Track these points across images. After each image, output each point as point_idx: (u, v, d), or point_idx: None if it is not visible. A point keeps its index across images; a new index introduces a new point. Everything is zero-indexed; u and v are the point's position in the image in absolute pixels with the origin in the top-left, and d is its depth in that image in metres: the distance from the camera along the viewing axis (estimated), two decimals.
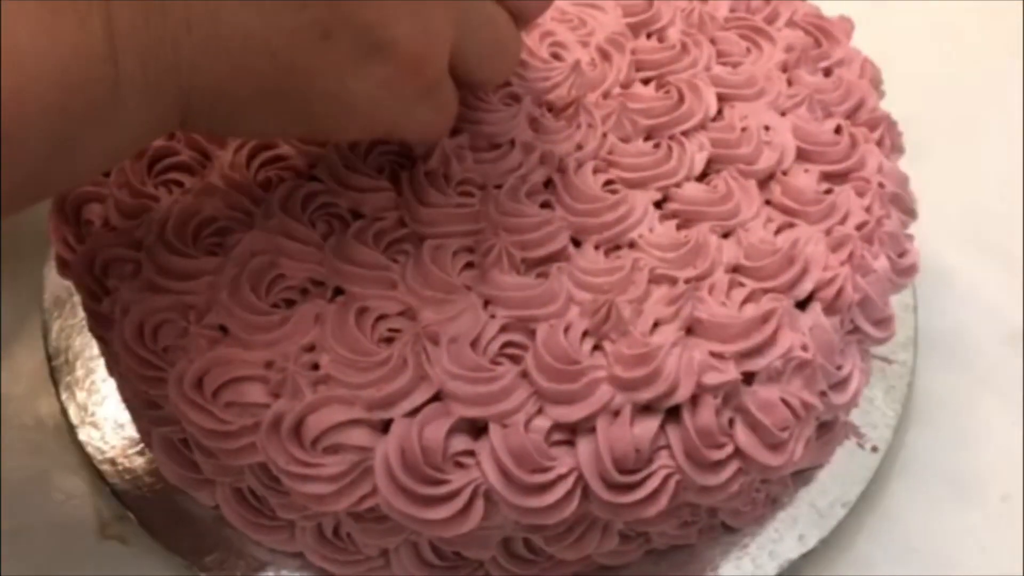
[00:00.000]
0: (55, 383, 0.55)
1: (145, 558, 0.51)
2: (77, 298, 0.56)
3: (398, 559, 0.47)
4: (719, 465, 0.43)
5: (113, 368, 0.52)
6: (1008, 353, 0.65)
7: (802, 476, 0.54)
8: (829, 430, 0.52)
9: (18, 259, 0.60)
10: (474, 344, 0.43)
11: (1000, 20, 0.84)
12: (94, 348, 0.55)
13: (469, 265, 0.45)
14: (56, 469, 0.54)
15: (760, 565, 0.51)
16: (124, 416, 0.53)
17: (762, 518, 0.52)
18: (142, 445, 0.52)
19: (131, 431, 0.53)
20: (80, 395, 0.54)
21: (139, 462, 0.52)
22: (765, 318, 0.45)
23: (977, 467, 0.59)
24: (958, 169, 0.74)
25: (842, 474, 0.54)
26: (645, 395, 0.42)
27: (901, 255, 0.52)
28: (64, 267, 0.48)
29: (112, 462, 0.52)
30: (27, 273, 0.59)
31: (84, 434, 0.53)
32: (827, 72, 0.56)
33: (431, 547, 0.46)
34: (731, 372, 0.43)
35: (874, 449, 0.56)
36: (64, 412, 0.54)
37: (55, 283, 0.57)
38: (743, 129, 0.51)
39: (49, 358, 0.56)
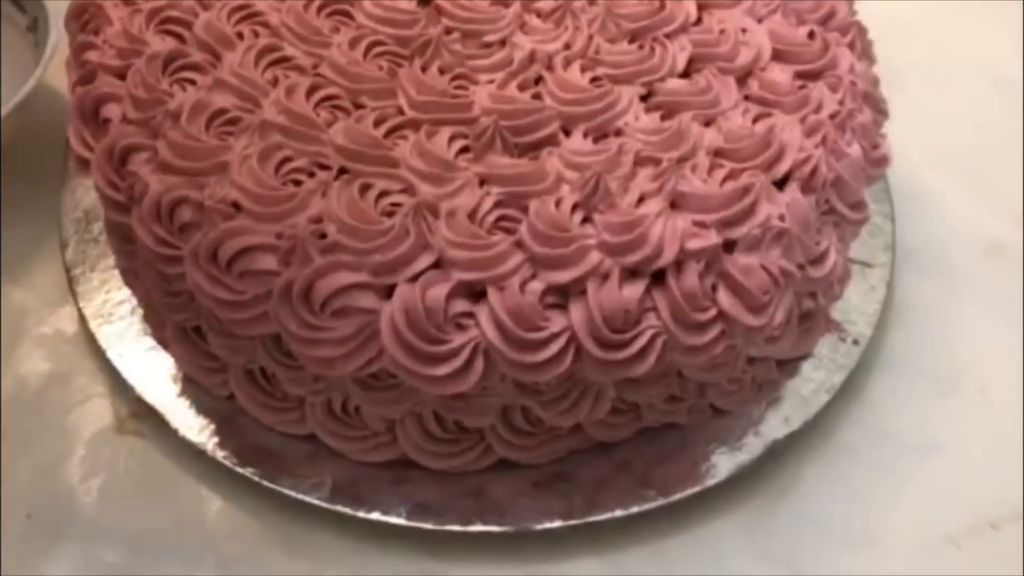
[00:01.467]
0: (73, 293, 0.57)
1: (161, 449, 0.54)
2: (93, 216, 0.59)
3: (404, 432, 0.49)
4: (703, 326, 0.46)
5: (129, 271, 0.54)
6: (984, 263, 0.67)
7: (787, 367, 0.57)
8: (811, 318, 0.55)
9: (34, 184, 0.63)
10: (471, 216, 0.46)
11: None
12: (110, 260, 0.58)
13: (465, 150, 0.48)
14: (75, 373, 0.57)
15: (747, 444, 0.54)
16: (140, 324, 0.55)
17: (749, 402, 0.55)
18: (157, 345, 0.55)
19: (148, 339, 0.55)
20: (98, 300, 0.57)
21: (156, 360, 0.54)
22: (744, 191, 0.47)
23: (955, 364, 0.62)
24: (933, 104, 0.77)
25: (825, 364, 0.57)
26: (632, 259, 0.45)
27: (874, 147, 0.55)
28: (83, 164, 0.51)
29: (128, 361, 0.55)
30: (42, 201, 0.62)
31: (102, 336, 0.55)
32: None
33: (435, 418, 0.49)
34: (712, 238, 0.46)
35: (855, 342, 0.58)
36: (83, 318, 0.57)
37: (71, 204, 0.60)
38: (721, 31, 0.55)
39: (67, 271, 0.58)
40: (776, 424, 0.55)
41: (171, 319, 0.51)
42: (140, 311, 0.56)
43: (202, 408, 0.53)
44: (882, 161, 0.55)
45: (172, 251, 0.47)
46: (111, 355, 0.54)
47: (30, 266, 0.61)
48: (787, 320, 0.49)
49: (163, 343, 0.54)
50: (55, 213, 0.61)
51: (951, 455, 0.58)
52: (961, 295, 0.66)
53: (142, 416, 0.54)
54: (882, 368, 0.61)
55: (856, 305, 0.60)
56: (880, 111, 0.56)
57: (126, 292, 0.56)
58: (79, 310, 0.57)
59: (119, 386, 0.55)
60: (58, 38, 0.61)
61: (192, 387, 0.53)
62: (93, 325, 0.56)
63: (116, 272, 0.57)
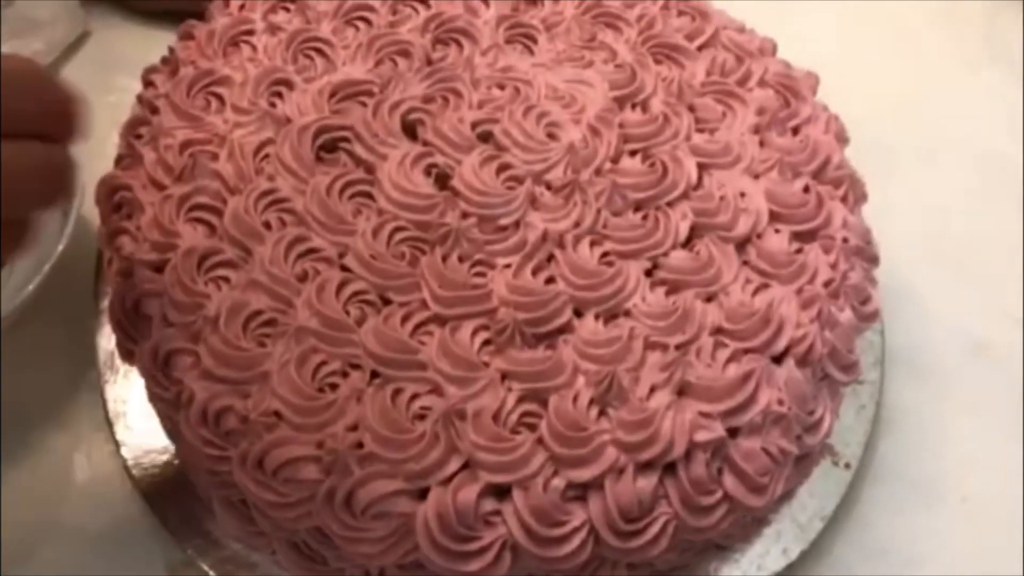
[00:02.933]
0: (115, 441, 0.61)
1: None
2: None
3: None
4: (710, 509, 0.50)
5: (172, 432, 0.58)
6: (968, 363, 0.72)
7: (784, 494, 0.61)
8: (806, 456, 0.59)
9: (68, 324, 0.66)
10: (495, 417, 0.50)
11: (961, 41, 0.90)
12: (148, 407, 0.61)
13: (487, 343, 0.52)
14: (121, 521, 0.61)
15: None
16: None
17: (750, 534, 0.60)
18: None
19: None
20: (140, 449, 0.60)
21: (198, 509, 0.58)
22: (746, 378, 0.51)
23: (939, 471, 0.67)
24: (921, 183, 0.80)
25: (819, 490, 0.62)
26: (646, 455, 0.49)
27: (864, 302, 0.58)
28: (128, 355, 0.54)
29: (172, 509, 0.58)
30: (78, 336, 0.65)
31: (143, 481, 0.59)
32: (796, 131, 0.62)
33: None
34: (718, 430, 0.50)
35: (847, 466, 0.63)
36: (126, 467, 0.60)
37: (107, 344, 0.63)
38: (721, 198, 0.58)
39: (106, 415, 0.62)
40: (776, 556, 0.59)
41: (216, 493, 0.55)
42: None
43: (249, 563, 0.57)
44: (872, 316, 0.58)
45: (219, 452, 0.50)
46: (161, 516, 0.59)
47: (69, 409, 0.64)
48: (787, 484, 0.53)
49: (207, 501, 0.58)
50: (92, 352, 0.64)
51: (936, 568, 0.63)
52: (947, 398, 0.70)
53: (190, 567, 0.59)
54: (872, 482, 0.66)
55: (848, 426, 0.64)
56: (871, 260, 0.60)
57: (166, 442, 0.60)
58: (123, 461, 0.61)
59: (167, 537, 0.59)
60: (83, 185, 0.63)
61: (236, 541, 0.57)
62: (136, 475, 0.60)
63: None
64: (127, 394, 0.62)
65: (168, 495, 0.60)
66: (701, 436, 0.50)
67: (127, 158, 0.59)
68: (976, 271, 0.76)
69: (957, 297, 0.75)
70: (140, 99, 0.61)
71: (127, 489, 0.61)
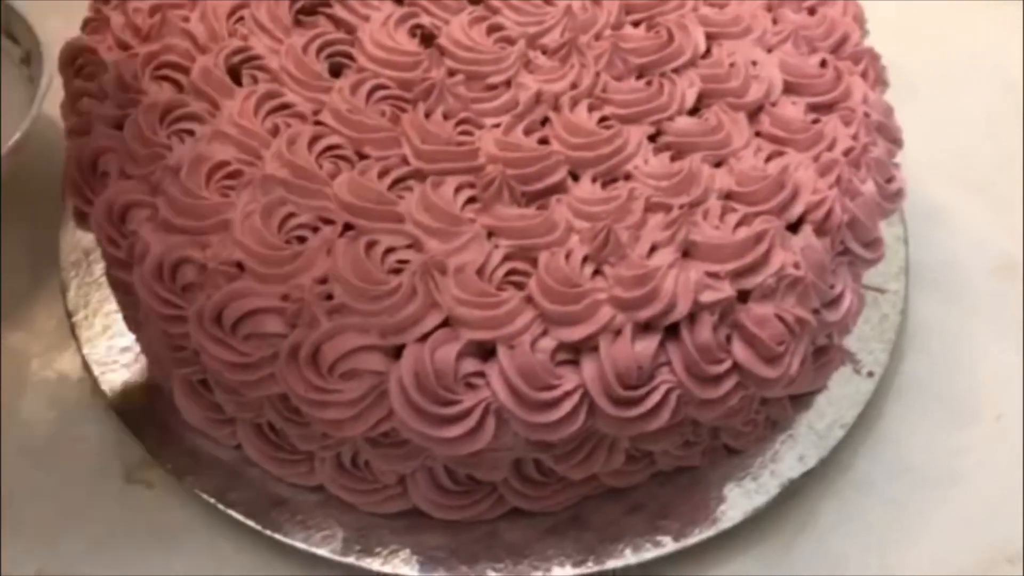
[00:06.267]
0: (76, 338, 0.57)
1: (170, 499, 0.53)
2: (93, 257, 0.58)
3: (415, 485, 0.49)
4: (718, 379, 0.45)
5: (132, 319, 0.54)
6: (997, 283, 0.66)
7: (801, 401, 0.56)
8: (825, 354, 0.54)
9: (33, 223, 0.62)
10: (480, 272, 0.45)
11: None
12: (112, 304, 0.57)
13: (471, 200, 0.47)
14: (80, 420, 0.56)
15: (762, 484, 0.53)
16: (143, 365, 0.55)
17: (763, 440, 0.54)
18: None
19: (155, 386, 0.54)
20: (101, 346, 0.56)
21: (161, 406, 0.54)
22: (758, 238, 0.46)
23: (971, 390, 0.61)
24: (944, 111, 0.76)
25: (839, 398, 0.56)
26: (645, 313, 0.44)
27: (888, 181, 0.53)
28: (83, 219, 0.50)
29: (134, 409, 0.54)
30: (41, 240, 0.61)
31: (107, 383, 0.55)
32: (811, 11, 0.58)
33: (446, 471, 0.48)
34: (726, 290, 0.45)
35: (870, 374, 0.58)
36: (86, 365, 0.56)
37: (71, 244, 0.59)
38: (731, 64, 0.53)
39: (69, 315, 0.57)
40: (791, 463, 0.54)
41: (176, 373, 0.50)
42: (144, 359, 0.55)
43: (210, 457, 0.52)
44: (897, 195, 0.54)
45: (175, 311, 0.46)
46: (115, 401, 0.54)
47: (31, 309, 0.60)
48: (802, 366, 0.48)
49: (169, 393, 0.53)
50: (55, 252, 0.60)
51: (968, 487, 0.57)
52: (975, 317, 0.65)
53: (150, 465, 0.54)
54: (897, 396, 0.60)
55: (870, 334, 0.59)
56: (894, 141, 0.55)
57: (130, 338, 0.56)
58: (83, 357, 0.56)
59: (126, 435, 0.54)
60: (52, 73, 0.60)
61: (200, 436, 0.52)
62: (97, 373, 0.55)
63: (119, 316, 0.56)
64: (91, 296, 0.58)
65: (130, 398, 0.55)
66: (707, 296, 0.45)
67: (94, 22, 0.55)
68: (1000, 193, 0.72)
69: (982, 218, 0.70)
70: None
71: (85, 390, 0.57)
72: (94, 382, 0.56)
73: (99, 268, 0.58)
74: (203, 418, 0.51)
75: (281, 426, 0.48)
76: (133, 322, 0.54)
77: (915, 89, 0.76)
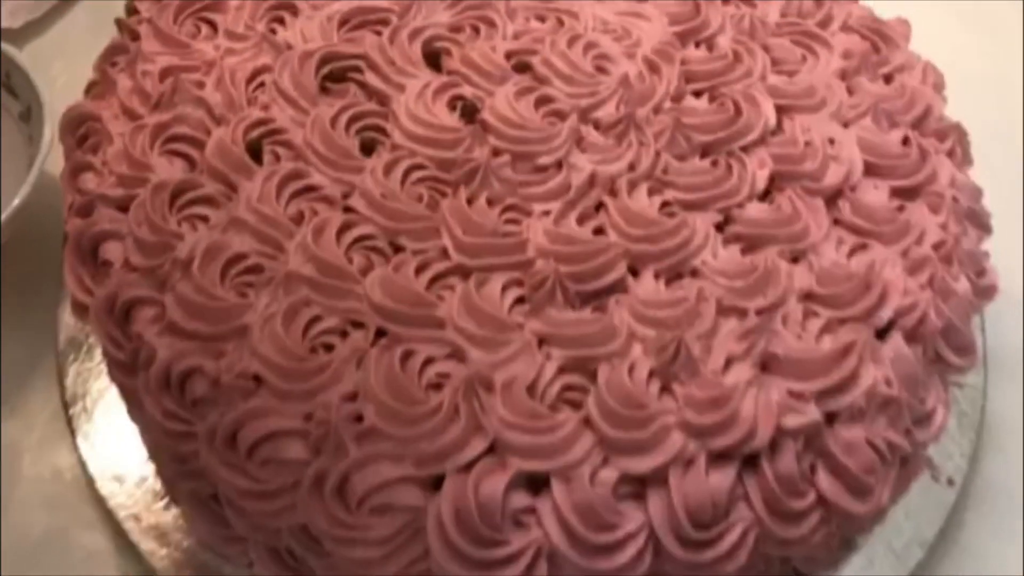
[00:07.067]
0: (72, 432, 0.51)
1: None
2: (94, 339, 0.53)
3: None
4: (801, 515, 0.40)
5: (136, 416, 0.48)
6: None
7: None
8: (905, 465, 0.48)
9: (28, 301, 0.57)
10: (531, 389, 0.39)
11: None
12: (114, 392, 0.51)
13: (520, 300, 0.42)
14: (76, 525, 0.51)
15: None
16: (148, 467, 0.49)
17: (836, 561, 0.48)
18: (168, 499, 0.48)
19: (156, 484, 0.49)
20: (100, 445, 0.51)
21: (166, 518, 0.48)
22: (845, 351, 0.41)
23: None
24: (1013, 176, 0.71)
25: (917, 510, 0.51)
26: (721, 441, 0.39)
27: (979, 274, 0.48)
28: (82, 311, 0.45)
29: (136, 518, 0.49)
30: (39, 316, 0.56)
31: (105, 488, 0.49)
32: (888, 79, 0.53)
33: None
34: (812, 413, 0.40)
35: (950, 482, 0.52)
36: (83, 464, 0.50)
37: (69, 325, 0.54)
38: (806, 143, 0.48)
39: (65, 406, 0.52)
40: None
41: (183, 485, 0.44)
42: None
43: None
44: (990, 291, 0.48)
45: (184, 427, 0.40)
46: (119, 515, 0.48)
47: (25, 395, 0.55)
48: (893, 496, 0.42)
49: (174, 500, 0.48)
50: (53, 330, 0.55)
51: None
52: None
53: None
54: (979, 501, 0.54)
55: (948, 435, 0.53)
56: (985, 228, 0.50)
57: (133, 434, 0.50)
58: (79, 455, 0.51)
59: (125, 546, 0.49)
60: (53, 134, 0.55)
61: (209, 551, 0.47)
62: (94, 472, 0.50)
63: (122, 408, 0.51)
64: (90, 383, 0.52)
65: (130, 502, 0.49)
66: (791, 421, 0.39)
67: (99, 86, 0.50)
68: None
69: None
70: (120, 24, 0.53)
71: (81, 490, 0.51)
72: (90, 482, 0.50)
73: (99, 353, 0.53)
74: (211, 533, 0.45)
75: (301, 554, 0.42)
76: (139, 421, 0.48)
77: (979, 152, 0.71)
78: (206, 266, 0.42)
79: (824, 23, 0.54)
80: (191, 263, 0.42)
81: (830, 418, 0.41)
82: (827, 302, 0.43)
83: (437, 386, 0.40)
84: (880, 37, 0.54)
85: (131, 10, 0.54)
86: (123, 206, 0.45)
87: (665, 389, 0.40)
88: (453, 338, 0.40)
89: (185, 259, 0.42)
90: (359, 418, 0.39)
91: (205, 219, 0.44)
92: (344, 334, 0.41)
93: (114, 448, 0.51)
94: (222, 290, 0.41)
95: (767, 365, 0.41)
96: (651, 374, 0.40)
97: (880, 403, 0.41)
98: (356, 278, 0.41)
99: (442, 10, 0.51)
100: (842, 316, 0.43)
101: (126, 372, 0.42)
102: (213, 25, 0.51)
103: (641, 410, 0.39)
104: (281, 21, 0.51)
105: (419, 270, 0.42)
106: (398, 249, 0.43)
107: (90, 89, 0.50)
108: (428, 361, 0.40)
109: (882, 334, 0.43)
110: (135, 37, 0.51)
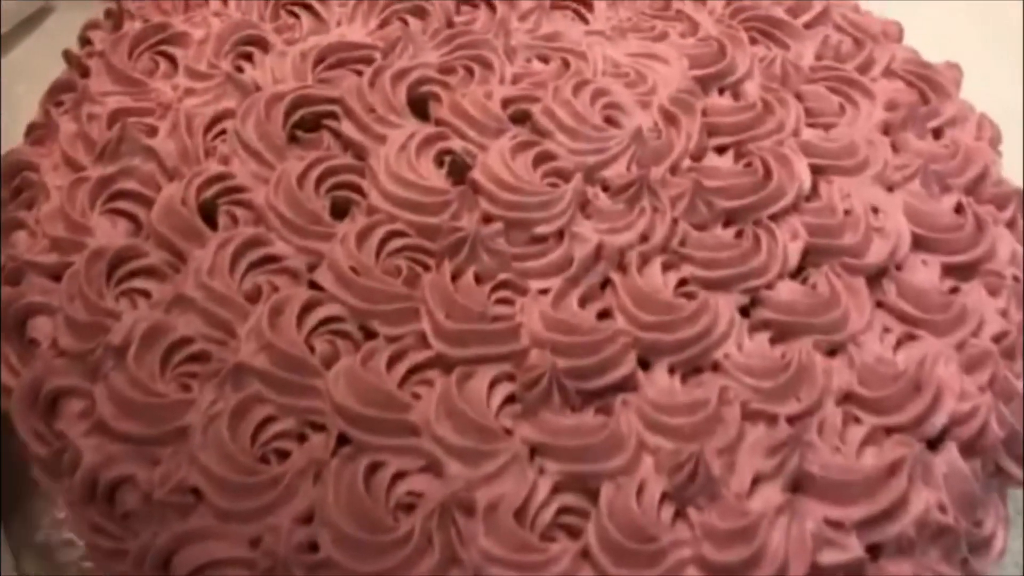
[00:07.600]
0: None
1: None
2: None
3: None
4: None
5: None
6: None
7: None
8: None
9: None
10: (520, 513, 0.33)
11: None
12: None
13: (510, 399, 0.36)
14: None
15: None
16: None
17: None
18: None
19: None
20: None
21: None
22: (892, 470, 0.35)
23: None
24: None
25: None
26: None
27: None
28: (4, 392, 0.39)
29: None
30: None
31: None
32: (937, 133, 0.47)
33: None
34: (854, 548, 0.34)
35: None
36: None
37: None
38: (846, 211, 0.42)
39: None
40: None
41: None
42: None
43: None
44: None
45: (113, 543, 0.34)
46: None
47: None
48: None
49: None
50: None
51: None
52: None
53: None
54: None
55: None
56: None
57: None
58: None
59: None
60: None
61: None
62: None
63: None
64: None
65: None
66: (829, 556, 0.33)
67: (40, 129, 0.44)
68: None
69: None
70: (68, 57, 0.47)
71: None
72: None
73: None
74: None
75: None
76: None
77: None
78: (144, 354, 0.36)
79: (865, 67, 0.48)
80: (127, 349, 0.36)
81: (874, 551, 0.34)
82: (870, 406, 0.37)
83: (408, 507, 0.34)
84: (928, 84, 0.48)
85: (84, 40, 0.48)
86: (57, 275, 0.39)
87: (680, 515, 0.34)
88: (429, 448, 0.34)
89: (120, 344, 0.36)
90: (313, 547, 0.33)
91: (147, 294, 0.38)
92: (301, 438, 0.35)
93: None
94: (161, 383, 0.35)
95: (800, 485, 0.35)
96: (663, 496, 0.34)
97: (933, 532, 0.35)
98: (318, 371, 0.35)
99: (431, 48, 0.45)
100: (888, 424, 0.37)
101: (49, 472, 0.36)
102: (173, 60, 0.45)
103: (651, 543, 0.33)
104: (249, 58, 0.45)
105: (392, 361, 0.36)
106: (369, 335, 0.37)
107: (30, 132, 0.44)
108: (398, 476, 0.34)
109: (933, 444, 0.37)
110: (84, 73, 0.45)
